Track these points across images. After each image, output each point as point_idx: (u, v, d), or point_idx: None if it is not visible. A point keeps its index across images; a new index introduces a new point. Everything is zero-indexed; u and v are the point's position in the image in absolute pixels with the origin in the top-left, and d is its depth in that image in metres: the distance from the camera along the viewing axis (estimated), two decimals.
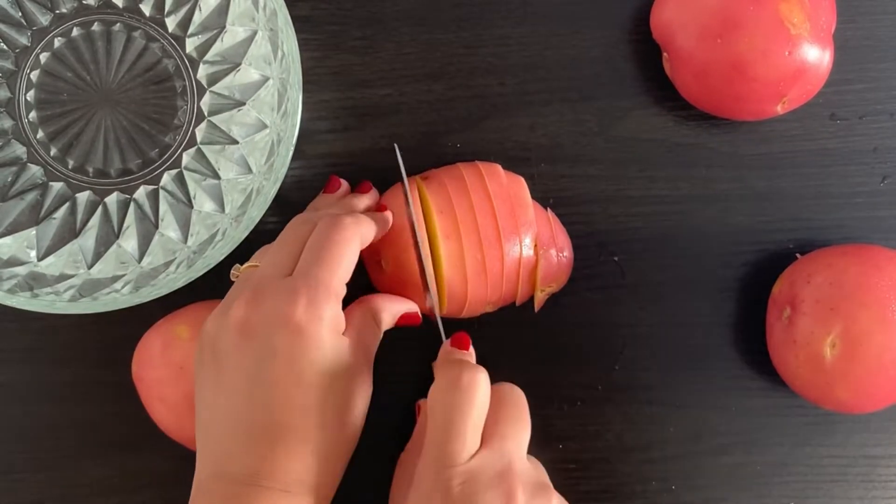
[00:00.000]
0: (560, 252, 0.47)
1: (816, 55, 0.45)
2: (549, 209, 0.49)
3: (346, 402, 0.39)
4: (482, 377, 0.40)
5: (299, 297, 0.38)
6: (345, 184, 0.47)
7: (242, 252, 0.44)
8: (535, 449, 0.49)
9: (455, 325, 0.48)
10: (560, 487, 0.48)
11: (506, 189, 0.45)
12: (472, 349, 0.43)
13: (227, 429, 0.39)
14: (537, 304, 0.48)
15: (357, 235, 0.41)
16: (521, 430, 0.41)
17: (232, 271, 0.42)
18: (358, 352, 0.40)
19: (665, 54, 0.49)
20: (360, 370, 0.40)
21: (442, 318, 0.45)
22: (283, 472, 0.37)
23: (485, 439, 0.40)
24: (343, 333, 0.40)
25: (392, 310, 0.44)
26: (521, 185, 0.45)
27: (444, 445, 0.39)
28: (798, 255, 0.49)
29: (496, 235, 0.43)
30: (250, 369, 0.38)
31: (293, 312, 0.38)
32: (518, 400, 0.42)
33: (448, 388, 0.40)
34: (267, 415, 0.38)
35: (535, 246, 0.45)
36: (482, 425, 0.40)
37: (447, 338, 0.44)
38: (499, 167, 0.46)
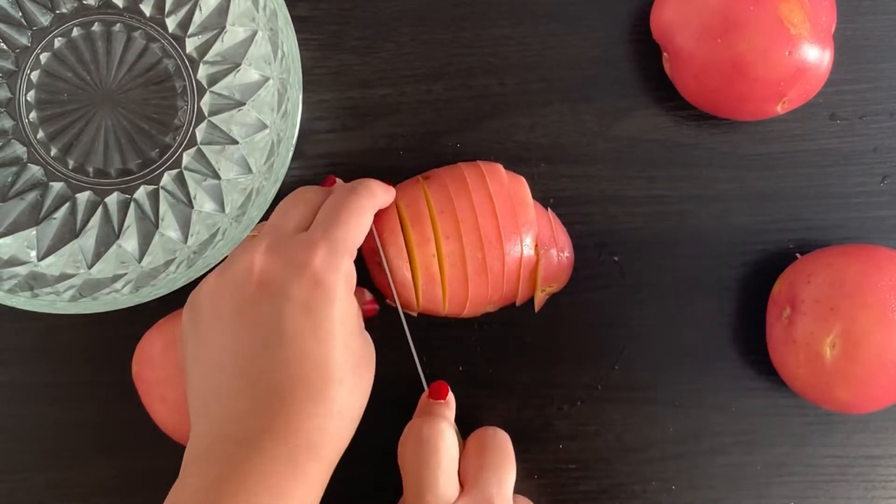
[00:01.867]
0: (561, 252, 0.47)
1: (816, 55, 0.45)
2: (549, 209, 0.49)
3: (359, 361, 0.39)
4: (443, 427, 0.41)
5: (318, 249, 0.38)
6: (340, 181, 0.47)
7: None
8: (535, 449, 0.49)
9: (456, 325, 0.48)
10: (560, 487, 0.49)
11: (507, 189, 0.45)
12: (450, 396, 0.44)
13: (232, 389, 0.37)
14: (538, 305, 0.48)
15: (372, 202, 0.41)
16: (503, 474, 0.42)
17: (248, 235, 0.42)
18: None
19: (665, 54, 0.49)
20: (366, 333, 0.40)
21: (443, 318, 0.45)
22: (294, 431, 0.36)
23: (466, 485, 0.41)
24: None
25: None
26: (522, 185, 0.45)
27: (420, 498, 0.39)
28: (798, 254, 0.49)
29: (497, 235, 0.43)
30: (264, 322, 0.37)
31: (312, 262, 0.37)
32: (499, 445, 0.43)
33: (412, 443, 0.41)
34: (281, 370, 0.37)
35: (536, 246, 0.45)
36: (455, 470, 0.41)
37: (417, 352, 0.44)
38: (500, 167, 0.46)
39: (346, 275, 0.38)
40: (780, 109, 0.47)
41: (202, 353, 0.39)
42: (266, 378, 0.37)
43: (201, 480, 0.35)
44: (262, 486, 0.34)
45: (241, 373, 0.37)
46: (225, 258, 0.43)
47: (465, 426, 0.48)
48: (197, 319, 0.39)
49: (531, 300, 0.48)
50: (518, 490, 0.48)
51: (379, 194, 0.42)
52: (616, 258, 0.50)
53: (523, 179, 0.46)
